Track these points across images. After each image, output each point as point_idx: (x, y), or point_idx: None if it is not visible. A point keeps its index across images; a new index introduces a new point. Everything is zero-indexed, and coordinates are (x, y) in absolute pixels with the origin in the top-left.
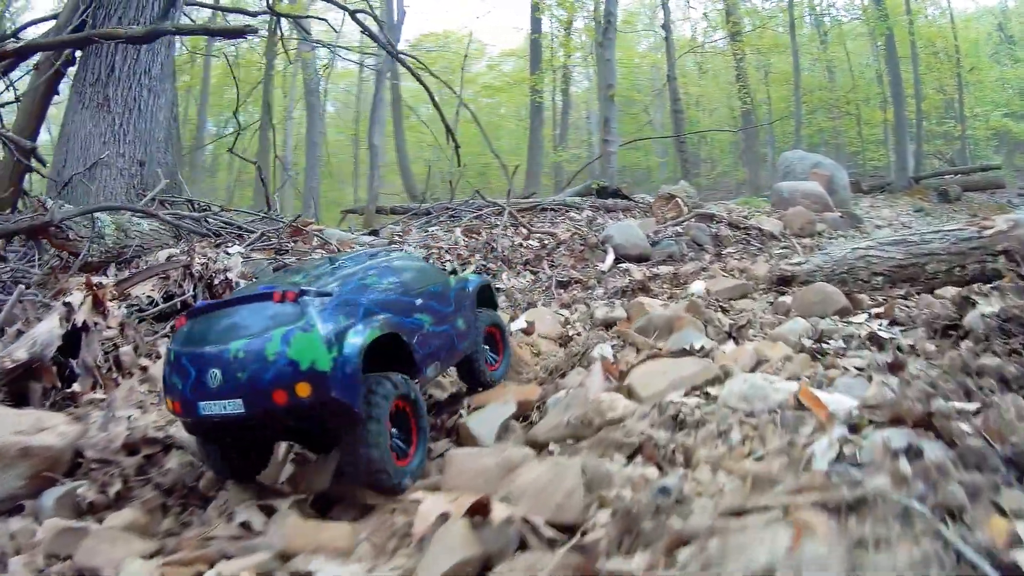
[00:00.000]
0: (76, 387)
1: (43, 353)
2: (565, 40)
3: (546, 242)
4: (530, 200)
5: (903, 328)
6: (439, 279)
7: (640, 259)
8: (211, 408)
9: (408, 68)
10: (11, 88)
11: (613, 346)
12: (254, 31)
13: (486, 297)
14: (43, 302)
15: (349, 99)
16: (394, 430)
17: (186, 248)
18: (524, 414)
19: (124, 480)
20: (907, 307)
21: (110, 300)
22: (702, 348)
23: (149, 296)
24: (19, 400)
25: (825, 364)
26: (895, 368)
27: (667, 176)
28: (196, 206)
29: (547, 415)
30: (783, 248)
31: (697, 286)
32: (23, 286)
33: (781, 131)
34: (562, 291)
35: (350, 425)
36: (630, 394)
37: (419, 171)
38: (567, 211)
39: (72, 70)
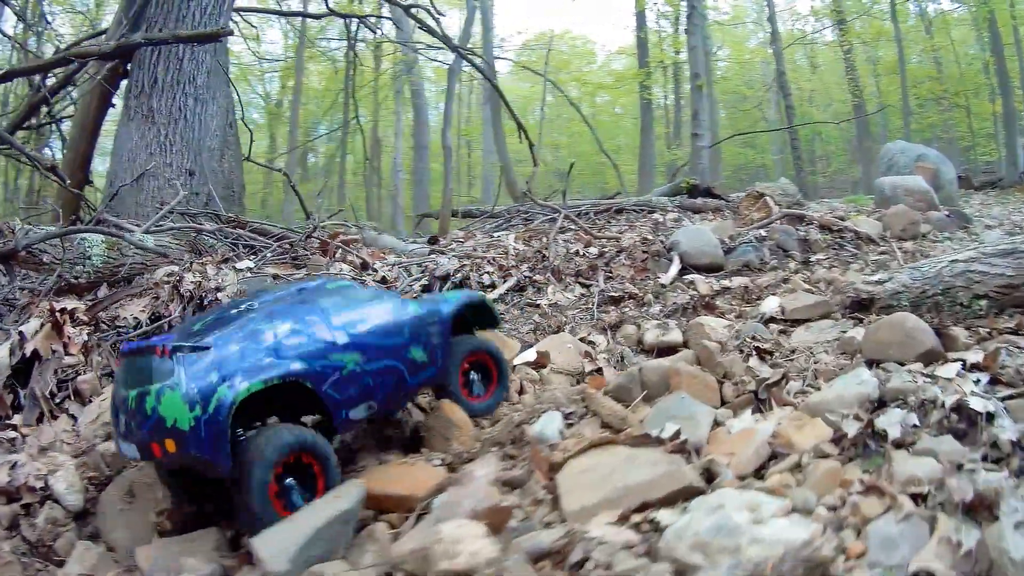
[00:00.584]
0: (17, 419)
1: None
2: (673, 36)
3: (605, 250)
4: (609, 201)
5: (1009, 392)
6: (383, 310)
7: (711, 269)
8: (125, 450)
9: (473, 64)
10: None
11: (570, 415)
12: (229, 33)
13: (478, 317)
14: (2, 328)
15: (465, 99)
16: (291, 480)
17: (186, 265)
18: (408, 512)
19: None
20: (1018, 348)
21: (75, 325)
22: (676, 435)
23: (136, 318)
24: None
25: (866, 476)
26: (976, 509)
27: (781, 174)
28: (221, 218)
29: (421, 524)
30: (881, 254)
31: (770, 303)
32: None
33: (894, 126)
34: (613, 308)
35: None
36: (554, 505)
37: (527, 172)
38: (650, 212)
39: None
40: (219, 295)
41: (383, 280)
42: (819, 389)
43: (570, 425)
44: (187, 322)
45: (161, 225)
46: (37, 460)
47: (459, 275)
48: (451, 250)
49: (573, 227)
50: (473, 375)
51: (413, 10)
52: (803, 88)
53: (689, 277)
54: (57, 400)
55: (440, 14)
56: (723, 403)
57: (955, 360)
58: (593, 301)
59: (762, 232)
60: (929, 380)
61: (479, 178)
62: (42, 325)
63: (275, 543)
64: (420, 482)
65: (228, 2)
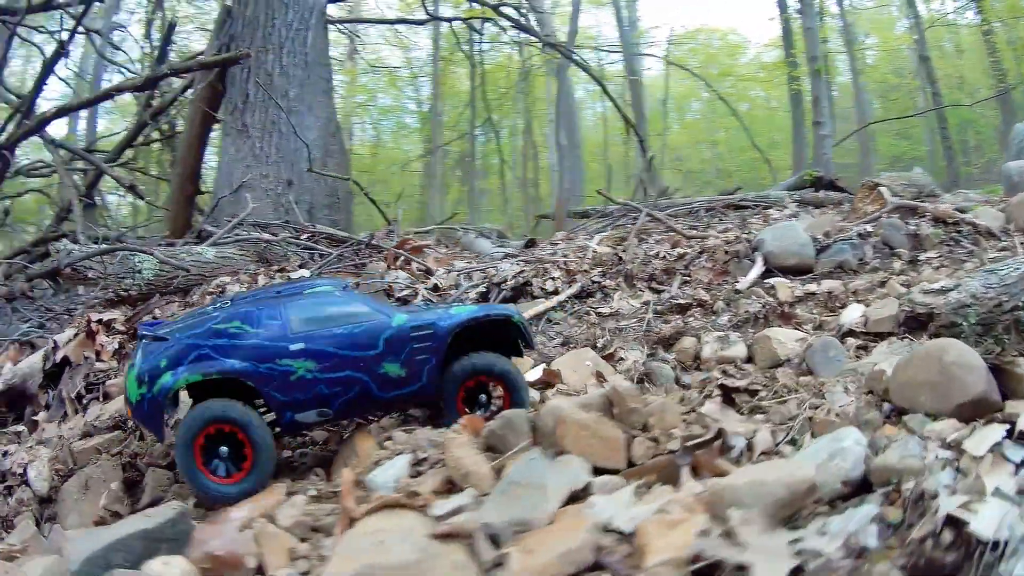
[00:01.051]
0: (40, 416)
1: (24, 384)
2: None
3: (687, 252)
4: (724, 197)
5: None
6: (356, 321)
7: (799, 271)
8: None
9: (571, 59)
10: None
11: (423, 461)
12: (247, 55)
13: (500, 335)
14: (45, 336)
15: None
16: (225, 449)
17: (239, 276)
18: None
19: None
20: None
21: (110, 334)
22: (457, 511)
23: None
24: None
25: None
26: None
27: (933, 166)
28: (296, 228)
29: None
30: (1001, 250)
31: (851, 313)
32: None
33: None
34: (677, 317)
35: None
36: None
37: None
38: (766, 208)
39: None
40: None
41: (435, 288)
42: (800, 448)
43: (419, 474)
44: (183, 314)
45: (228, 237)
46: (29, 452)
47: (512, 281)
48: (533, 253)
49: (638, 227)
50: (483, 397)
51: (503, 8)
52: (950, 74)
53: (771, 281)
54: (86, 400)
55: (538, 11)
56: (631, 465)
57: (1005, 420)
58: (658, 308)
59: (867, 227)
60: (950, 454)
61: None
62: (76, 334)
63: (82, 544)
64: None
65: (317, 16)
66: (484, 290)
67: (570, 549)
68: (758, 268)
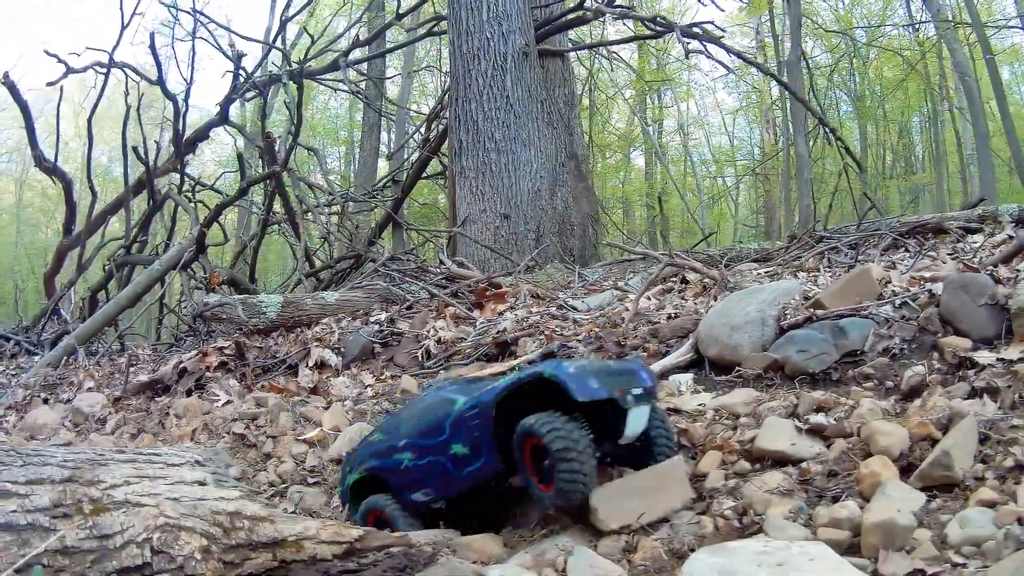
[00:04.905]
0: (160, 398)
1: (162, 378)
2: None
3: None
4: (917, 220)
5: None
6: (430, 412)
7: (725, 366)
8: None
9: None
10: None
11: None
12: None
13: (547, 394)
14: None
15: None
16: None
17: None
18: None
19: None
20: None
21: (222, 356)
22: None
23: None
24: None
25: None
26: None
27: None
28: (428, 271)
29: None
30: None
31: None
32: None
33: None
34: None
35: None
36: None
37: None
38: (974, 232)
39: None
40: (315, 344)
41: (439, 340)
42: None
43: None
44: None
45: (361, 283)
46: (114, 411)
47: (492, 339)
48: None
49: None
50: (546, 462)
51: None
52: None
53: (674, 379)
54: (194, 393)
55: None
56: None
57: None
58: None
59: (933, 288)
60: None
61: None
62: (196, 353)
63: None
64: None
65: (512, 59)
66: (472, 347)
67: None
68: (678, 355)
